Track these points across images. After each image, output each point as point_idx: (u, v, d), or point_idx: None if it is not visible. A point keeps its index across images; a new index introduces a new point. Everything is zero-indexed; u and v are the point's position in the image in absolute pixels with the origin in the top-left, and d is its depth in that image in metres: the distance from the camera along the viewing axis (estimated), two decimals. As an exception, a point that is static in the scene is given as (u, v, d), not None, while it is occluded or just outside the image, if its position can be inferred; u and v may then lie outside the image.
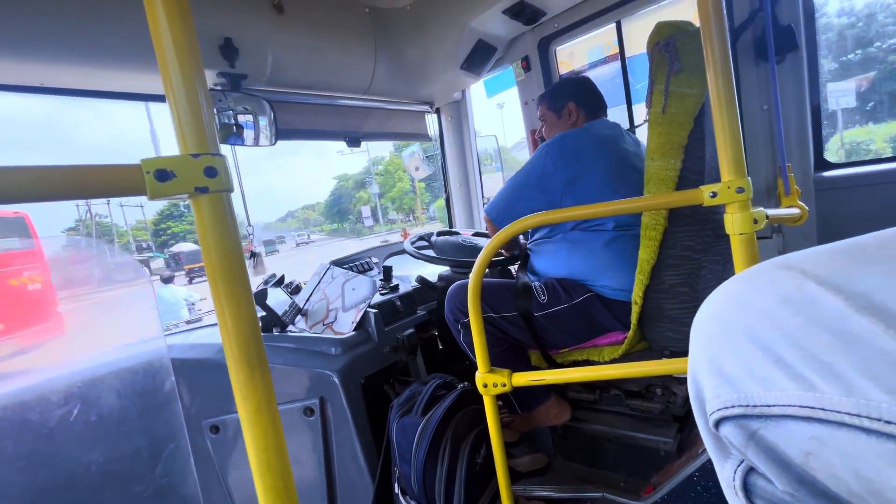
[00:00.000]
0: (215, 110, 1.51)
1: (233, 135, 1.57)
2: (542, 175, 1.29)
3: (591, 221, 1.28)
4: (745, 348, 0.24)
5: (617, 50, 1.78)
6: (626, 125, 1.78)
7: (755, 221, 0.80)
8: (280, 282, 1.63)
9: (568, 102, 1.44)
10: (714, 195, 0.81)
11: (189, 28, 0.45)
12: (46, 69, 1.21)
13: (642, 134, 1.29)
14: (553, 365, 1.29)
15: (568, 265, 1.30)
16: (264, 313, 1.43)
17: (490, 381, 1.02)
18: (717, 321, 0.27)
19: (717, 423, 0.25)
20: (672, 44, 1.01)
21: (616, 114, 1.87)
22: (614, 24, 1.76)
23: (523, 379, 1.00)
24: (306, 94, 1.78)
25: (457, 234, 2.05)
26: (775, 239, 1.55)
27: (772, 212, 0.84)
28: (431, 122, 2.39)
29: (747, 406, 0.23)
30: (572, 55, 1.95)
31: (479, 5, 1.66)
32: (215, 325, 1.58)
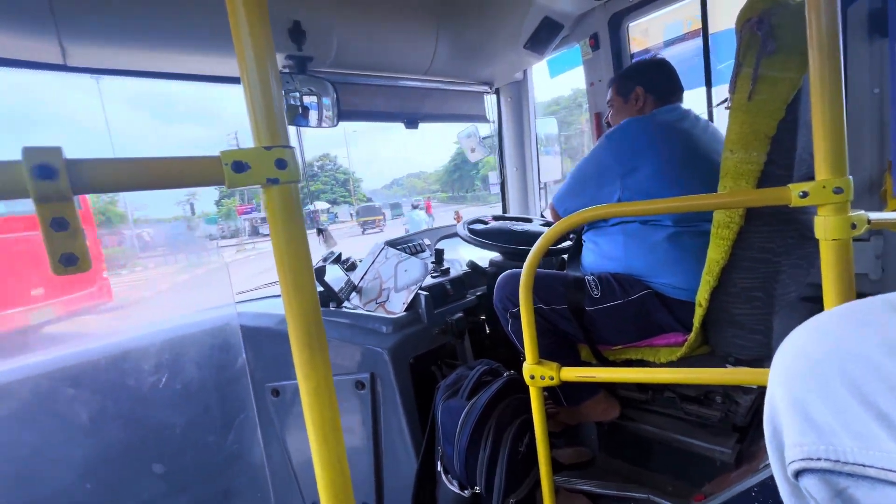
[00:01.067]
0: (283, 92, 1.57)
1: (298, 115, 1.63)
2: (601, 166, 1.24)
3: (650, 218, 1.21)
4: (840, 395, 0.21)
5: (699, 25, 1.62)
6: (705, 110, 1.63)
7: (853, 226, 0.71)
8: (338, 259, 1.70)
9: (636, 87, 1.35)
10: (805, 195, 0.73)
11: (265, 25, 0.47)
12: (153, 56, 1.34)
13: (723, 122, 1.18)
14: (603, 362, 1.25)
15: (624, 259, 1.24)
16: (322, 288, 1.50)
17: (538, 374, 1.01)
18: (805, 359, 0.24)
19: (798, 474, 0.23)
20: (766, 21, 0.90)
21: (693, 98, 1.72)
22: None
23: (572, 374, 0.98)
24: (367, 76, 1.81)
25: (511, 219, 2.02)
26: (873, 242, 1.37)
27: (875, 215, 0.74)
28: (490, 103, 2.34)
29: (837, 461, 0.21)
30: (647, 32, 1.81)
31: None
32: (278, 296, 1.70)
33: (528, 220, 2.00)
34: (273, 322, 1.49)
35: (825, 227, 0.72)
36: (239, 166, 0.45)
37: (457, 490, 1.15)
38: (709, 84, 1.64)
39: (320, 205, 35.13)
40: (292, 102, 1.61)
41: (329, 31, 1.54)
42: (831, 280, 0.72)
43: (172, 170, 0.43)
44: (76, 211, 0.38)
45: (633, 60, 1.85)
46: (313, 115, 1.68)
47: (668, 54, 1.77)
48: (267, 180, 0.47)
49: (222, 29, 0.48)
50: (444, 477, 1.18)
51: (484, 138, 2.57)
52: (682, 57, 1.73)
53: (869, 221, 0.73)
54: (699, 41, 1.64)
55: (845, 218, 0.71)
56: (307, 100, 1.67)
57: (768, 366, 0.89)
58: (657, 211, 0.88)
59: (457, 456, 1.13)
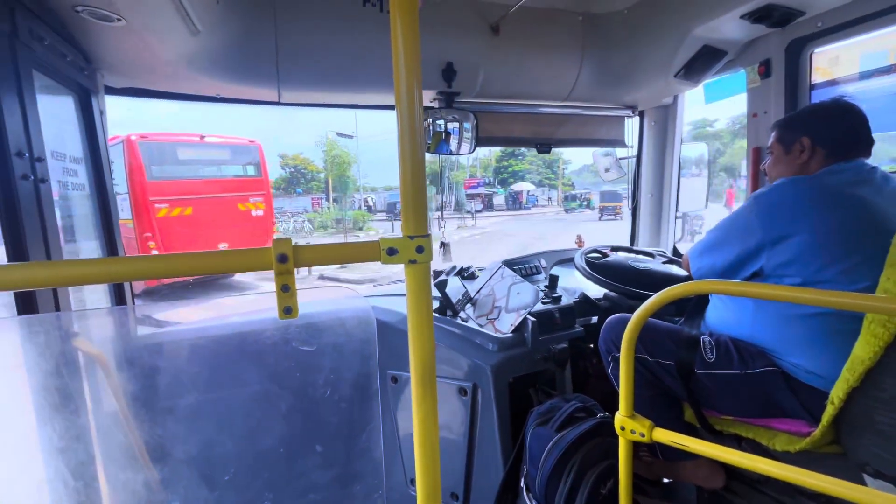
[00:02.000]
0: (430, 120, 1.80)
1: (442, 142, 1.84)
2: (744, 230, 1.13)
3: (787, 281, 1.09)
4: None
5: (910, 57, 1.34)
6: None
7: None
8: (460, 273, 1.89)
9: (802, 136, 1.17)
10: None
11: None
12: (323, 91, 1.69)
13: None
14: (708, 429, 1.20)
15: (751, 326, 1.15)
16: (441, 297, 1.70)
17: (629, 427, 1.03)
18: None
19: None
20: None
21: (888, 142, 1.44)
22: (913, 23, 1.32)
23: (665, 437, 0.98)
24: (507, 104, 1.92)
25: (634, 252, 1.96)
26: None
27: None
28: (630, 126, 2.25)
29: None
30: (837, 60, 1.54)
31: (708, 12, 1.47)
32: (403, 295, 1.97)
33: (650, 256, 1.92)
34: (398, 319, 1.75)
35: None
36: (391, 251, 0.63)
37: (535, 510, 1.24)
38: (914, 129, 1.35)
39: (525, 186, 33.99)
40: (437, 129, 1.82)
41: (476, 69, 1.70)
42: None
43: (353, 250, 0.63)
44: (294, 278, 0.60)
45: (811, 95, 1.60)
46: (454, 140, 1.88)
47: (864, 88, 1.49)
48: (409, 261, 0.63)
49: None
50: (525, 494, 1.29)
51: (620, 159, 2.49)
52: (883, 92, 1.45)
53: None
54: (908, 76, 1.36)
55: None
56: (450, 126, 1.87)
57: None
58: (791, 300, 0.81)
59: (539, 480, 1.22)
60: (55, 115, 1.11)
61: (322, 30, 1.46)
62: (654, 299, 0.95)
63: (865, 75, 1.48)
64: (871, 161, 1.16)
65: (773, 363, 1.09)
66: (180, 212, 7.78)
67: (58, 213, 1.00)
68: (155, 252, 7.29)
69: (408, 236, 0.63)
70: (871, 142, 1.16)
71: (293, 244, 0.59)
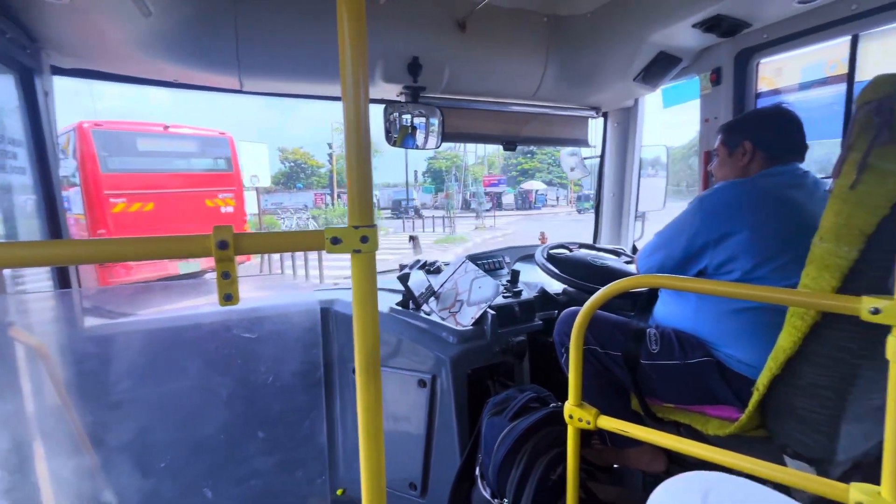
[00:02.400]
0: (397, 114, 1.80)
1: (408, 136, 1.85)
2: (690, 231, 1.19)
3: (729, 276, 1.16)
4: None
5: (844, 70, 1.44)
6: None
7: None
8: (423, 266, 1.91)
9: (744, 140, 1.25)
10: (876, 311, 0.70)
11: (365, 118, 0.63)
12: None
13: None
14: (651, 416, 1.26)
15: (693, 320, 1.22)
16: (404, 290, 1.72)
17: (576, 415, 1.07)
18: None
19: None
20: (887, 107, 0.83)
21: (826, 149, 1.54)
22: (848, 39, 1.42)
23: (609, 424, 1.03)
24: (473, 101, 1.95)
25: (599, 250, 2.03)
26: None
27: None
28: (594, 126, 2.32)
29: None
30: (780, 71, 1.64)
31: (663, 19, 1.53)
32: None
33: (616, 254, 1.99)
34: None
35: (894, 349, 0.68)
36: (335, 240, 0.64)
37: (489, 497, 1.28)
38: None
39: (535, 184, 32.81)
40: (404, 124, 1.83)
41: (442, 65, 1.71)
42: (893, 413, 0.68)
43: (296, 239, 0.63)
44: (236, 266, 0.60)
45: (756, 103, 1.70)
46: (420, 135, 1.89)
47: (803, 98, 1.59)
48: (353, 251, 0.64)
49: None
50: (479, 482, 1.33)
51: (585, 158, 2.56)
52: (820, 102, 1.55)
53: None
54: (843, 88, 1.46)
55: None
56: (416, 120, 1.87)
57: (830, 467, 0.86)
58: (725, 294, 0.87)
59: (492, 468, 1.26)
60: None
61: (283, 17, 1.44)
62: (602, 292, 0.99)
63: (805, 86, 1.58)
64: (805, 165, 1.25)
65: (710, 354, 1.16)
66: (140, 207, 7.19)
67: None
68: None
69: (352, 226, 0.65)
70: (805, 147, 1.25)
71: (234, 234, 0.59)
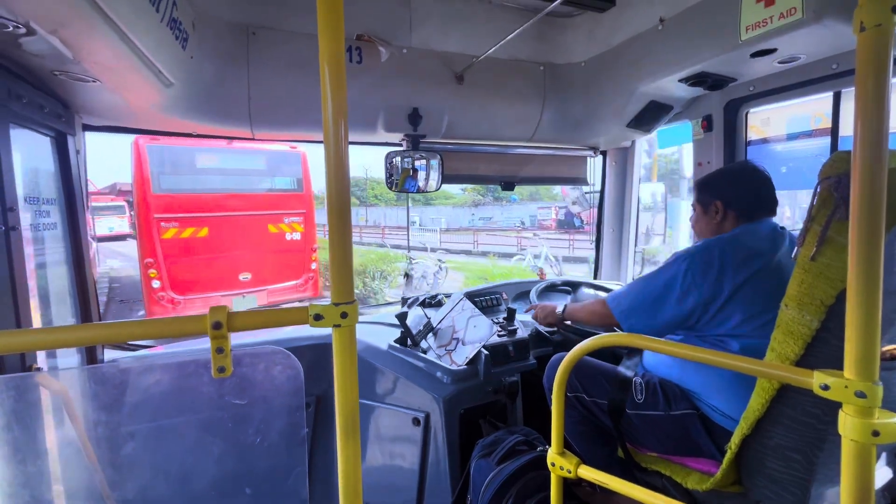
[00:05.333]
0: (399, 158, 1.90)
1: (409, 178, 1.94)
2: (681, 289, 1.20)
3: (718, 337, 1.20)
4: None
5: (828, 124, 1.48)
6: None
7: (875, 434, 0.69)
8: (424, 303, 1.98)
9: (715, 200, 1.29)
10: (826, 388, 0.72)
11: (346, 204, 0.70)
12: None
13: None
14: (635, 465, 1.29)
15: (679, 370, 1.25)
16: (402, 328, 1.78)
17: (558, 463, 1.11)
18: None
19: None
20: (845, 182, 0.88)
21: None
22: (830, 95, 1.46)
23: (589, 474, 1.06)
24: (471, 144, 2.04)
25: (594, 287, 2.06)
26: None
27: None
28: (592, 164, 2.38)
29: None
30: (768, 121, 1.69)
31: (652, 74, 1.60)
32: (373, 322, 2.04)
33: (606, 290, 2.02)
34: (360, 348, 1.82)
35: (844, 424, 0.70)
36: (318, 316, 0.71)
37: (476, 538, 1.31)
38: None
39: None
40: (405, 166, 1.92)
41: (441, 114, 1.81)
42: (847, 481, 0.70)
43: (283, 315, 0.71)
44: (229, 342, 0.68)
45: (746, 151, 1.74)
46: (421, 175, 1.98)
47: (792, 148, 1.63)
48: (334, 325, 0.72)
49: None
50: (469, 522, 1.36)
51: (586, 192, 2.62)
52: (809, 153, 1.58)
53: None
54: (827, 140, 1.50)
55: (866, 423, 0.68)
56: (417, 163, 1.97)
57: None
58: (699, 359, 0.89)
59: (479, 510, 1.29)
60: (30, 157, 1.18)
61: (290, 76, 1.57)
62: (586, 344, 1.03)
63: (792, 136, 1.62)
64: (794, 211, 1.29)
65: (694, 406, 1.19)
66: (192, 233, 6.22)
67: (30, 254, 1.07)
68: (156, 282, 5.98)
69: (334, 303, 0.72)
70: (775, 202, 1.28)
71: (229, 312, 0.67)
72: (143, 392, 0.89)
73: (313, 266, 7.20)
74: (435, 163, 1.98)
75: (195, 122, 1.54)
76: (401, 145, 1.91)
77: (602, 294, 1.98)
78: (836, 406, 0.91)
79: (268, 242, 6.74)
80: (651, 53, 1.59)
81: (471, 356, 1.64)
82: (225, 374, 0.68)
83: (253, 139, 1.77)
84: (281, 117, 1.67)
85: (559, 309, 1.59)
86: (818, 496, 0.96)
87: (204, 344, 1.56)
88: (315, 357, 1.74)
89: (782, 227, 1.25)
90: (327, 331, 0.70)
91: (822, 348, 0.89)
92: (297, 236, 7.00)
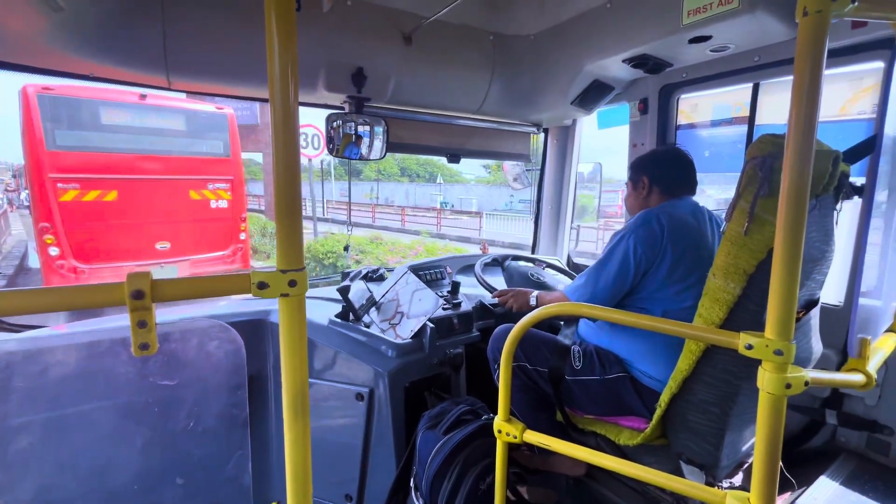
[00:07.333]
0: (340, 122, 1.77)
1: (351, 144, 1.82)
2: (635, 264, 1.27)
3: (640, 303, 1.29)
4: None
5: (747, 113, 1.62)
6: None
7: (787, 386, 0.78)
8: (366, 277, 1.91)
9: (643, 176, 1.41)
10: (749, 347, 0.80)
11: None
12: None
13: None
14: (572, 427, 1.37)
15: (610, 338, 1.34)
16: (344, 302, 1.71)
17: (504, 430, 1.14)
18: None
19: None
20: (769, 164, 0.96)
21: (727, 182, 1.73)
22: (750, 86, 1.60)
23: (533, 438, 1.11)
24: (417, 112, 1.96)
25: (534, 261, 2.12)
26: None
27: (815, 374, 0.80)
28: (535, 140, 2.42)
29: None
30: (696, 107, 1.82)
31: (598, 52, 1.64)
32: (317, 298, 1.92)
33: (553, 267, 2.10)
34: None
35: (762, 379, 0.79)
36: (262, 285, 0.63)
37: (421, 508, 1.33)
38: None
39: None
40: (347, 132, 1.80)
41: (388, 76, 1.70)
42: (762, 429, 0.79)
43: (221, 284, 0.62)
44: (153, 314, 0.58)
45: (676, 134, 1.87)
46: (364, 143, 1.87)
47: (715, 134, 1.78)
48: (281, 294, 0.64)
49: None
50: (413, 493, 1.37)
51: (527, 170, 2.67)
52: (729, 139, 1.73)
53: (807, 383, 0.80)
54: (744, 128, 1.64)
55: (781, 378, 0.78)
56: (361, 129, 1.85)
57: (717, 471, 0.98)
58: (634, 324, 0.95)
59: (425, 480, 1.30)
60: None
61: (214, 14, 1.37)
62: (532, 316, 1.06)
63: (716, 123, 1.76)
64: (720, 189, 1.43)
65: (625, 370, 1.28)
66: (98, 196, 5.51)
67: None
68: (53, 249, 5.25)
69: (280, 270, 0.64)
70: (695, 183, 1.42)
71: (151, 278, 0.57)
72: (37, 378, 0.75)
73: (242, 237, 6.68)
74: (379, 129, 1.87)
75: (92, 60, 1.29)
76: (343, 108, 1.78)
77: (547, 271, 2.05)
78: (751, 363, 1.01)
79: (190, 210, 6.16)
80: (598, 31, 1.62)
81: (416, 329, 1.62)
82: (149, 351, 0.58)
83: (169, 88, 1.53)
84: (206, 66, 1.46)
85: (532, 301, 1.63)
86: (729, 443, 1.08)
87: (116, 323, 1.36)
88: (245, 335, 1.61)
89: (702, 206, 1.37)
90: (259, 306, 0.64)
91: (742, 313, 0.98)
92: (223, 204, 6.46)
